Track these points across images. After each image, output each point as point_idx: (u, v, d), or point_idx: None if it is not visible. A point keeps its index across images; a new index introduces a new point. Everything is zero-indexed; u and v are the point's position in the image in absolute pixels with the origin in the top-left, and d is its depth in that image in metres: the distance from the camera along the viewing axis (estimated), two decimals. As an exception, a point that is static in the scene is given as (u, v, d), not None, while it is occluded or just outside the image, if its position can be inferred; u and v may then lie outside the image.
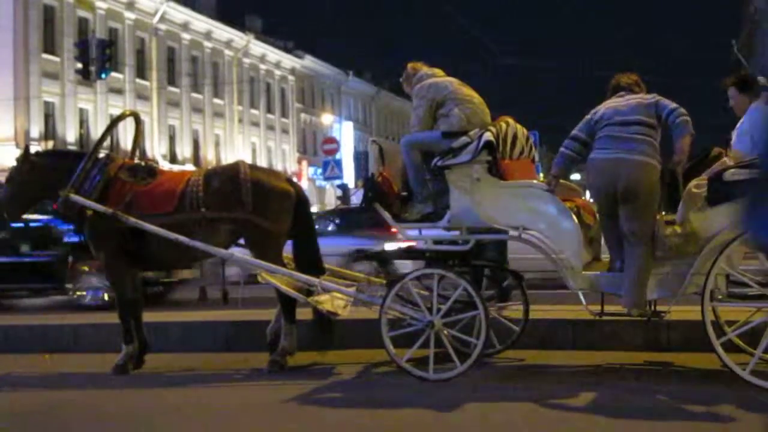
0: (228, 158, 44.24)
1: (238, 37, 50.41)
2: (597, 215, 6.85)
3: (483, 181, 6.59)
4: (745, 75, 6.77)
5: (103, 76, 29.37)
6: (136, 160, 8.24)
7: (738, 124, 6.56)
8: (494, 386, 6.39)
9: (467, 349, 6.74)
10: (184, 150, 45.12)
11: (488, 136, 6.55)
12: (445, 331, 6.68)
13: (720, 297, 6.25)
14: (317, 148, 50.11)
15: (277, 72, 55.26)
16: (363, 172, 37.11)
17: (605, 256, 6.91)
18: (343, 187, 34.62)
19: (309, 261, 7.60)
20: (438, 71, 7.30)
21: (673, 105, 6.31)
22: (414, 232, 7.24)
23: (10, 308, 13.66)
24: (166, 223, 7.33)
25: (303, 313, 7.58)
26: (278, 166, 50.84)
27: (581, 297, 6.86)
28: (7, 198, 7.97)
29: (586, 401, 5.83)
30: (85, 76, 28.99)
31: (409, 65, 7.43)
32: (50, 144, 33.56)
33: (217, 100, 48.55)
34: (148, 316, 8.11)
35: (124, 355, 7.59)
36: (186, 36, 45.90)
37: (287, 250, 7.71)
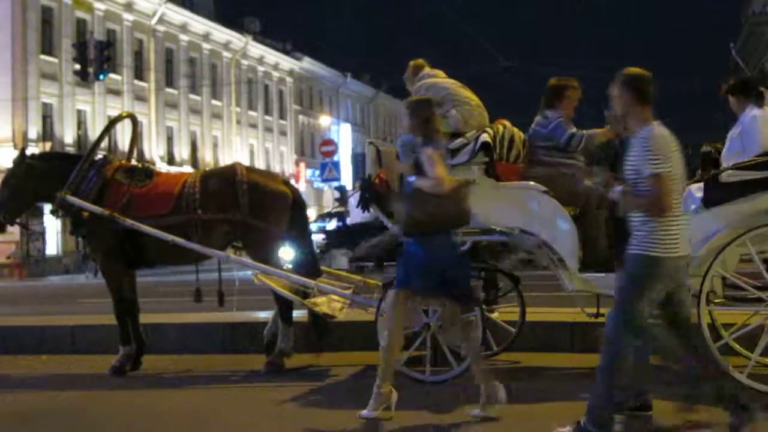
0: (226, 160, 44.24)
1: (236, 39, 50.42)
2: None
3: (480, 182, 6.59)
4: (739, 79, 6.79)
5: (101, 77, 29.43)
6: (134, 162, 8.23)
7: (733, 127, 6.58)
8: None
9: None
10: (182, 151, 45.12)
11: (485, 137, 6.56)
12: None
13: (717, 300, 6.24)
14: (315, 150, 50.15)
15: (276, 74, 55.28)
16: (361, 174, 37.16)
17: None
18: (341, 189, 34.60)
19: (305, 263, 7.60)
20: (439, 72, 7.30)
21: None
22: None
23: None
24: (162, 224, 7.34)
25: (300, 315, 7.58)
26: (276, 168, 50.87)
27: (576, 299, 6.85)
28: (3, 200, 7.95)
29: (584, 403, 5.82)
30: (83, 78, 29.04)
31: (412, 62, 7.43)
32: (48, 145, 33.57)
33: (215, 102, 48.56)
34: (145, 318, 8.10)
35: (122, 357, 7.58)
36: (184, 37, 45.91)
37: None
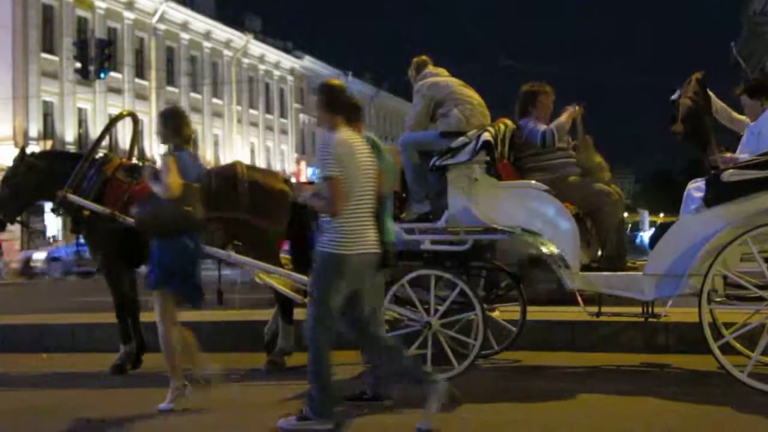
0: (227, 158, 44.23)
1: (237, 37, 50.41)
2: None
3: (481, 181, 6.58)
4: (754, 81, 6.74)
5: (102, 75, 29.39)
6: (135, 160, 8.23)
7: (751, 125, 6.54)
8: (492, 387, 6.39)
9: (465, 350, 6.74)
10: (183, 150, 45.07)
11: (486, 136, 6.54)
12: (443, 332, 6.66)
13: (718, 299, 6.24)
14: (316, 149, 50.08)
15: (276, 72, 55.26)
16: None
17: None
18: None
19: (306, 261, 7.59)
20: (442, 71, 7.30)
21: None
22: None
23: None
24: (163, 223, 7.32)
25: (300, 314, 7.57)
26: (277, 167, 50.83)
27: (579, 298, 6.84)
28: (4, 199, 7.94)
29: (584, 402, 5.83)
30: (84, 76, 29.00)
31: (416, 59, 7.42)
32: (49, 143, 33.55)
33: (215, 100, 48.55)
34: (146, 316, 8.09)
35: (122, 355, 7.58)
36: (185, 36, 45.90)
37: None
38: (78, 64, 29.37)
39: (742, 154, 6.35)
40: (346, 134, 5.16)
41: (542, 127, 6.90)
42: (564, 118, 6.94)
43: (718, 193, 6.04)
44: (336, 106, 5.23)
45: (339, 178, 4.97)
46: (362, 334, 5.32)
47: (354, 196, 5.03)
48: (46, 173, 7.82)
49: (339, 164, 4.98)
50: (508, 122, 7.11)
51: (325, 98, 5.25)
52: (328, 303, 5.06)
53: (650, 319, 6.87)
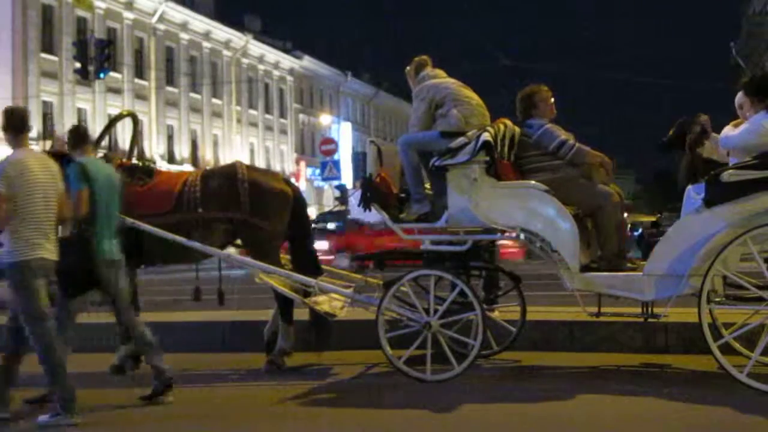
0: (226, 158, 44.22)
1: (236, 38, 50.39)
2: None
3: (481, 181, 6.59)
4: (757, 79, 6.67)
5: (102, 75, 29.38)
6: (134, 161, 8.22)
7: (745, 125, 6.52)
8: (492, 387, 6.39)
9: (464, 351, 6.74)
10: (183, 150, 45.10)
11: (486, 136, 6.55)
12: (442, 333, 6.67)
13: (717, 299, 6.24)
14: (315, 149, 50.09)
15: (276, 72, 55.24)
16: (361, 173, 37.15)
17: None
18: (341, 188, 34.71)
19: (306, 262, 7.60)
20: (440, 72, 7.31)
21: None
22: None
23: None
24: (163, 223, 7.33)
25: (300, 314, 7.57)
26: (276, 167, 50.82)
27: (578, 298, 6.84)
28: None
29: (584, 403, 5.83)
30: (84, 76, 29.01)
31: (416, 59, 7.43)
32: (48, 144, 33.51)
33: (215, 100, 48.53)
34: (146, 316, 8.09)
35: (122, 355, 7.58)
36: (185, 36, 45.89)
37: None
38: (78, 64, 29.37)
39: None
40: (23, 155, 5.79)
41: (562, 135, 6.89)
42: (593, 156, 6.92)
43: (718, 194, 6.04)
44: (16, 128, 5.84)
45: (3, 195, 5.57)
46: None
47: (25, 209, 5.64)
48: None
49: (6, 182, 5.59)
50: (508, 122, 7.12)
51: (5, 121, 5.83)
52: (34, 305, 5.66)
53: (650, 319, 6.87)
